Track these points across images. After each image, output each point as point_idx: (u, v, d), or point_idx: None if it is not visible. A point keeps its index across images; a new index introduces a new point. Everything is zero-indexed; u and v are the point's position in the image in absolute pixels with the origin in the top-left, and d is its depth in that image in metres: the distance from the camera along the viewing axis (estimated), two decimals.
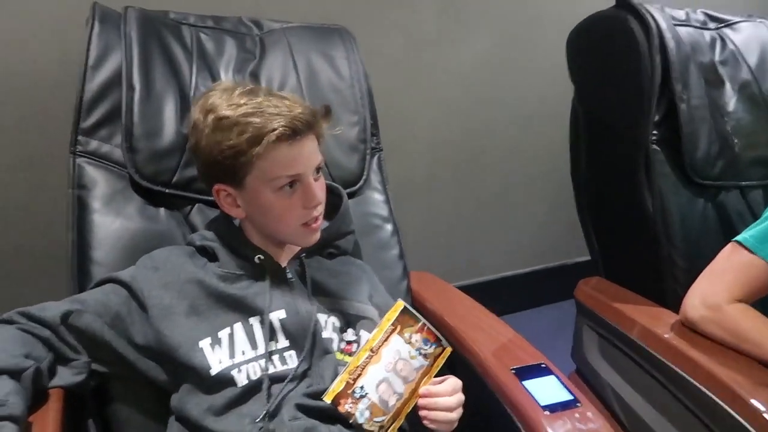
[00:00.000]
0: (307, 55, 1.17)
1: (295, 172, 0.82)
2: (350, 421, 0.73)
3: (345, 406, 0.73)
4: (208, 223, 0.94)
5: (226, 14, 1.19)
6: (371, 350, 0.75)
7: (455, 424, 0.80)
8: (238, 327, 0.82)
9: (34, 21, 1.22)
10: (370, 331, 0.82)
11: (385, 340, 0.76)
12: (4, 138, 1.27)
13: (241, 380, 0.79)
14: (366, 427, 0.73)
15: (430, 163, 1.80)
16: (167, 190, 0.99)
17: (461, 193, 1.87)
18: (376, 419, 0.74)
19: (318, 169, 0.85)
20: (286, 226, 0.86)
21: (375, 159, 1.16)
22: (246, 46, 1.17)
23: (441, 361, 0.79)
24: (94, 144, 0.99)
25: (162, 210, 1.00)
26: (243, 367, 0.80)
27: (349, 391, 0.73)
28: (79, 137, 0.98)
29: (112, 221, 0.96)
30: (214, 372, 0.78)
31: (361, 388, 0.74)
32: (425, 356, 0.78)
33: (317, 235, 0.89)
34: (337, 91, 1.15)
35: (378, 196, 1.15)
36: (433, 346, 0.78)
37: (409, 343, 0.77)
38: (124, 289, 0.82)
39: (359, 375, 0.74)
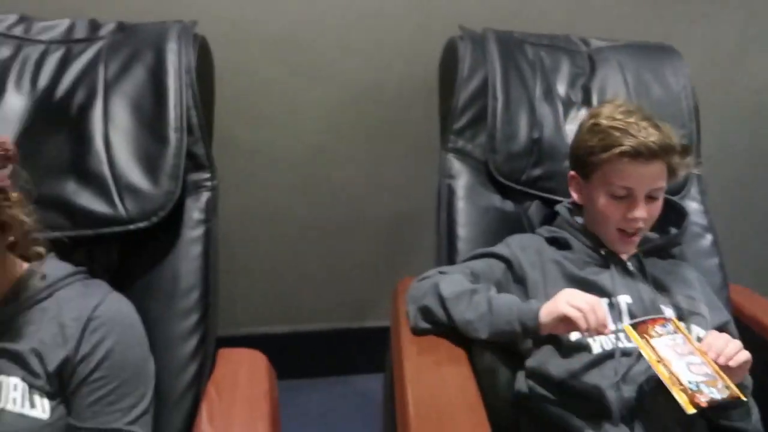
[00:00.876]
0: (637, 71, 1.27)
1: (628, 185, 0.94)
2: (721, 402, 0.81)
3: (702, 400, 0.80)
4: (558, 220, 1.09)
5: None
6: (658, 361, 0.84)
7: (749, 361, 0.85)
8: None
9: (395, 45, 1.50)
10: (700, 326, 0.92)
11: (653, 349, 0.85)
12: (385, 135, 1.58)
13: (596, 348, 0.92)
14: (724, 396, 0.81)
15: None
16: (517, 186, 1.17)
17: None
18: (718, 386, 0.82)
19: (655, 193, 0.96)
20: (605, 226, 0.99)
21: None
22: (577, 62, 1.31)
23: (681, 326, 0.90)
24: (461, 143, 1.20)
25: (509, 202, 1.18)
26: (597, 338, 0.93)
27: (689, 391, 0.81)
28: (451, 136, 1.20)
29: (473, 206, 1.16)
30: (573, 338, 0.93)
31: (689, 382, 0.82)
32: (675, 332, 0.88)
33: (631, 247, 1.00)
34: (666, 105, 1.23)
35: (697, 206, 1.22)
36: (669, 325, 0.90)
37: (660, 335, 0.87)
38: (503, 263, 1.01)
39: (678, 379, 0.82)
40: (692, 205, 1.22)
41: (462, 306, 0.92)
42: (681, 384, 0.81)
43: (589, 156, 0.98)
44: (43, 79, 0.93)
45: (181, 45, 0.95)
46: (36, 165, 0.81)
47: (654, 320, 0.90)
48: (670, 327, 0.89)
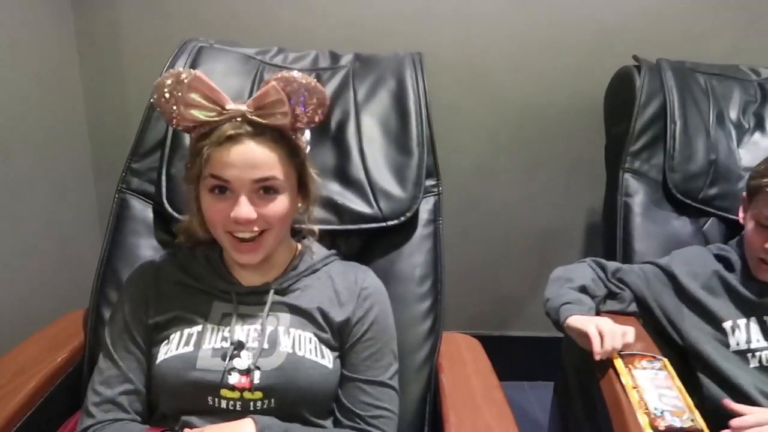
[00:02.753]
0: None
1: None
2: (680, 429, 0.85)
3: (662, 425, 0.85)
4: (733, 241, 1.16)
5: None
6: (634, 387, 0.90)
7: None
8: (749, 321, 1.04)
9: (562, 73, 1.63)
10: None
11: (632, 377, 0.92)
12: (543, 156, 1.71)
13: (753, 363, 1.01)
14: (685, 426, 0.86)
15: None
16: (694, 204, 1.26)
17: None
18: (683, 417, 0.87)
19: None
20: (749, 252, 1.05)
21: None
22: (748, 91, 1.38)
23: (668, 366, 0.95)
24: (637, 163, 1.31)
25: (685, 218, 1.27)
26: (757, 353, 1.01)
27: (652, 415, 0.87)
28: (627, 157, 1.31)
29: (650, 222, 1.26)
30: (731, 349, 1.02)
31: (655, 408, 0.87)
32: (660, 370, 0.94)
33: None
34: None
35: None
36: (657, 363, 0.95)
37: (644, 369, 0.94)
38: (660, 271, 1.11)
39: (646, 404, 0.88)
40: None
41: (553, 287, 1.10)
42: (647, 408, 0.87)
43: (753, 179, 1.05)
44: None
45: (416, 72, 1.13)
46: None
47: (644, 356, 0.97)
48: (658, 364, 0.96)
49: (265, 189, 0.79)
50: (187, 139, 1.03)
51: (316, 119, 0.79)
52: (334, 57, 1.23)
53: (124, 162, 1.07)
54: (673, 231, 1.26)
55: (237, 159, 0.76)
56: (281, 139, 0.79)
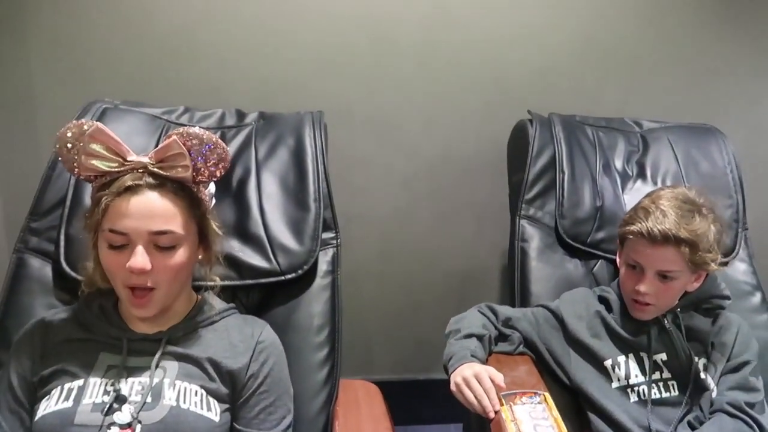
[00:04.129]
0: (686, 149, 1.46)
1: (638, 260, 1.07)
2: None
3: None
4: (614, 282, 1.25)
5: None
6: (512, 420, 0.99)
7: None
8: (628, 358, 1.12)
9: (467, 125, 1.74)
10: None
11: (512, 412, 1.00)
12: (454, 201, 1.79)
13: (633, 398, 1.08)
14: None
15: None
16: (583, 247, 1.36)
17: None
18: None
19: (667, 273, 1.06)
20: (623, 292, 1.15)
21: (742, 236, 1.40)
22: (631, 141, 1.51)
23: (548, 399, 1.03)
24: (531, 210, 1.40)
25: (577, 261, 1.36)
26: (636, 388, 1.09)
27: None
28: (523, 204, 1.40)
29: (544, 265, 1.34)
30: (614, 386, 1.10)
31: None
32: (539, 403, 1.02)
33: (644, 315, 1.11)
34: (713, 178, 1.42)
35: (745, 267, 1.38)
36: (536, 397, 1.03)
37: (524, 404, 1.02)
38: (549, 314, 1.19)
39: None
40: (741, 266, 1.38)
41: (448, 341, 1.17)
42: None
43: (621, 227, 1.15)
44: None
45: (315, 131, 1.20)
46: None
47: (524, 393, 1.05)
48: (537, 399, 1.04)
49: (163, 242, 0.81)
50: (87, 198, 1.06)
51: (218, 174, 0.84)
52: (240, 115, 1.28)
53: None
54: (566, 273, 1.35)
55: (135, 210, 0.79)
56: (182, 191, 0.83)
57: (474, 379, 1.01)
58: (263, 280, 1.06)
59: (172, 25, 1.52)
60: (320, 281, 1.10)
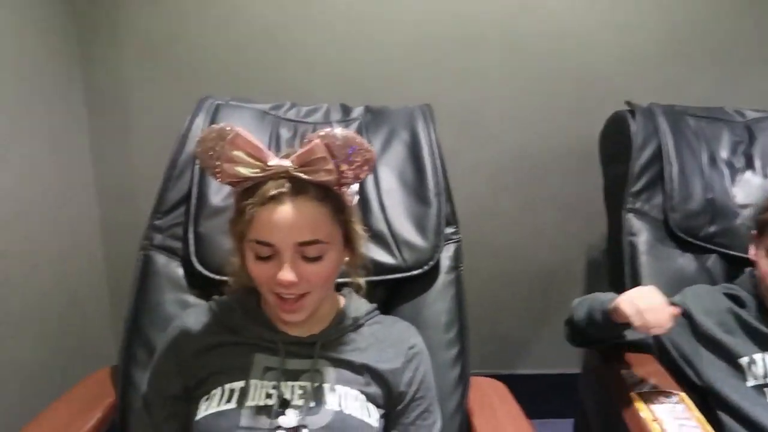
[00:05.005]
0: None
1: None
2: None
3: None
4: (740, 278, 1.21)
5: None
6: (653, 420, 0.95)
7: None
8: (765, 355, 1.07)
9: (555, 118, 1.71)
10: None
11: (651, 411, 0.96)
12: (535, 196, 1.77)
13: None
14: None
15: None
16: (696, 242, 1.31)
17: None
18: None
19: None
20: (761, 285, 1.09)
21: None
22: (736, 132, 1.46)
23: (686, 399, 0.99)
24: (638, 203, 1.36)
25: (689, 255, 1.32)
26: None
27: None
28: (629, 198, 1.36)
29: (655, 260, 1.31)
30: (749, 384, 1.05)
31: None
32: (677, 403, 0.98)
33: None
34: None
35: None
36: (674, 397, 1.00)
37: (663, 403, 0.98)
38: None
39: None
40: None
41: (579, 307, 1.10)
42: None
43: (761, 214, 1.11)
44: None
45: (427, 124, 1.17)
46: None
47: (662, 392, 1.01)
48: (675, 398, 1.00)
49: (310, 252, 0.78)
50: (212, 197, 1.06)
51: (362, 176, 0.78)
52: (346, 110, 1.27)
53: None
54: (678, 268, 1.31)
55: (280, 220, 0.76)
56: (326, 196, 0.79)
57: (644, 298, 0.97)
58: (390, 276, 1.04)
59: (256, 25, 1.52)
60: (445, 277, 1.08)
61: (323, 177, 0.76)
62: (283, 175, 0.76)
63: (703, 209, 1.33)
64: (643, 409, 0.97)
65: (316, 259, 0.79)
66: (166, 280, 1.04)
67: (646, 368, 1.10)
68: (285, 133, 1.20)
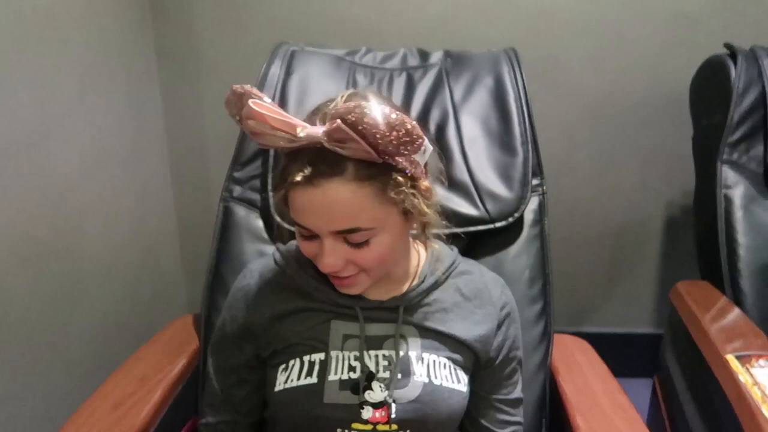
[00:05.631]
0: None
1: None
2: None
3: None
4: None
5: None
6: (754, 384, 0.87)
7: None
8: None
9: (637, 64, 1.59)
10: None
11: (751, 375, 0.89)
12: (618, 148, 1.68)
13: None
14: None
15: None
16: None
17: None
18: None
19: None
20: None
21: None
22: None
23: None
24: (735, 155, 1.26)
25: None
26: None
27: None
28: (726, 149, 1.26)
29: (752, 215, 1.22)
30: None
31: None
32: None
33: None
34: None
35: None
36: None
37: (762, 367, 0.91)
38: None
39: None
40: None
41: None
42: None
43: None
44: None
45: (514, 69, 1.10)
46: None
47: (761, 355, 0.94)
48: None
49: (353, 239, 0.69)
50: None
51: (405, 152, 0.64)
52: (423, 55, 1.21)
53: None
54: None
55: (314, 206, 0.66)
56: (369, 175, 0.66)
57: None
58: (472, 229, 1.00)
59: None
60: (529, 231, 1.03)
61: (361, 154, 0.64)
62: (318, 146, 0.65)
63: None
64: (742, 373, 0.91)
65: (362, 244, 0.69)
66: (246, 231, 1.04)
67: (741, 327, 1.04)
68: (362, 79, 1.15)
